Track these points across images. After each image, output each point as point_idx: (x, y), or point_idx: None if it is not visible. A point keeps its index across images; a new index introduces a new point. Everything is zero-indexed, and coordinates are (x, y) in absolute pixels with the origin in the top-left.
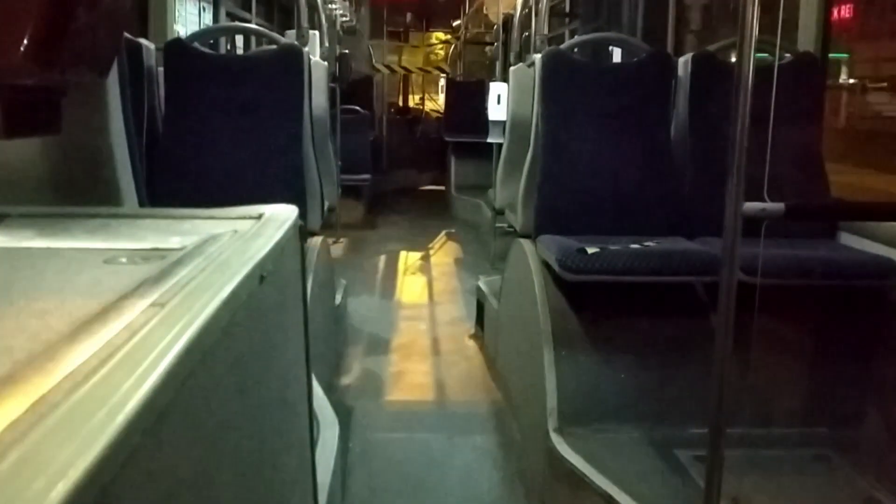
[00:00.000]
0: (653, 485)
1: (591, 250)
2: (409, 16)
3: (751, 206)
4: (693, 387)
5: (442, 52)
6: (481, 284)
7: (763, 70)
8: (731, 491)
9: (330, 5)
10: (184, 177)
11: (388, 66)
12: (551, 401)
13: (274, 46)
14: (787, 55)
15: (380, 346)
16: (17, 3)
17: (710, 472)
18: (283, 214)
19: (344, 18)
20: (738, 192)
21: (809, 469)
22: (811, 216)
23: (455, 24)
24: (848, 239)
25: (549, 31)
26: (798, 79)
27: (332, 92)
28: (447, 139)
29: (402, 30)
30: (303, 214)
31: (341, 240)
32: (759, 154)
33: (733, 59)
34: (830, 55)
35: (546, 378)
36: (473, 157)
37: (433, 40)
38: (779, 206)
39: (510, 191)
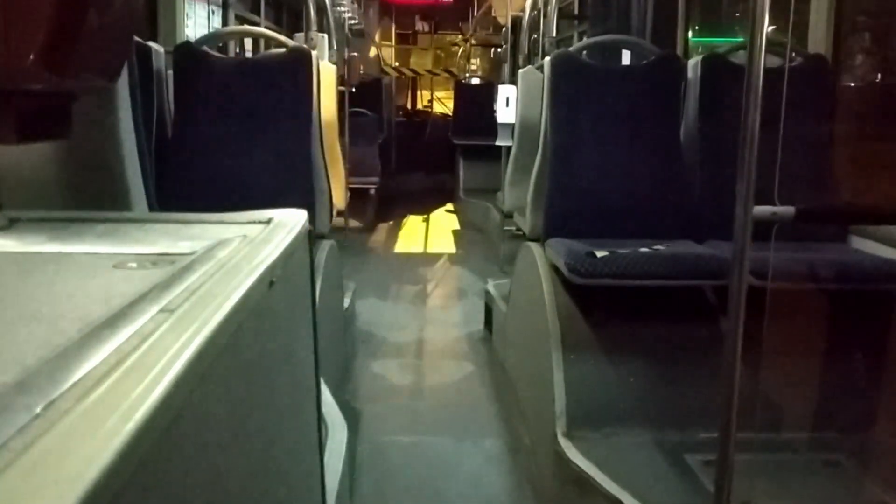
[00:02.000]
0: (662, 489)
1: (600, 254)
2: (417, 18)
3: (761, 209)
4: (703, 391)
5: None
6: (490, 288)
7: (773, 72)
8: (741, 496)
9: (338, 8)
10: (193, 181)
11: (396, 69)
12: (560, 405)
13: (282, 49)
14: (798, 57)
15: (388, 349)
16: (27, 8)
17: (720, 476)
18: (292, 219)
19: (352, 21)
20: (748, 196)
21: (820, 474)
22: (822, 219)
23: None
24: (859, 242)
25: (558, 33)
26: (809, 81)
27: (340, 95)
28: (455, 142)
29: (410, 32)
30: (311, 218)
31: (349, 243)
32: (770, 157)
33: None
34: None
35: (555, 382)
36: (482, 160)
37: (457, 41)
38: (789, 209)
39: (519, 194)
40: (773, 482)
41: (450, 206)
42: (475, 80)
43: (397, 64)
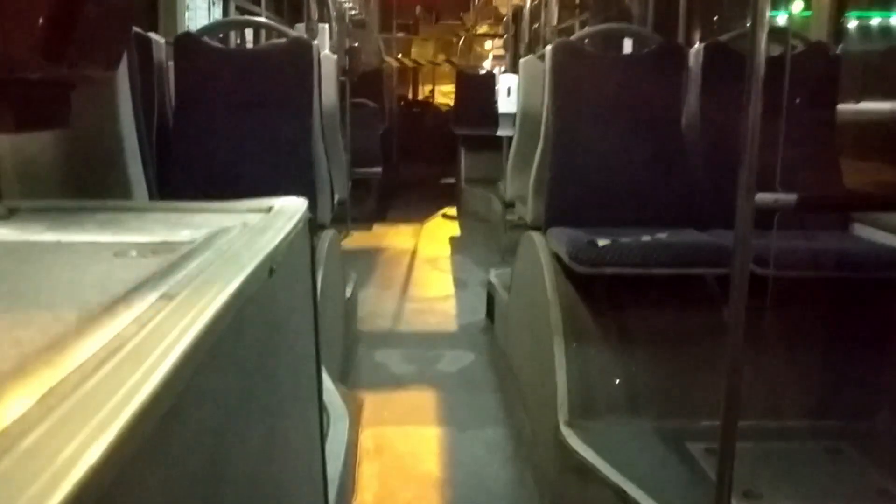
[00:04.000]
0: (664, 478)
1: (601, 242)
2: (418, 8)
3: (763, 197)
4: (704, 379)
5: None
6: (491, 277)
7: (775, 60)
8: (743, 484)
9: None
10: (193, 170)
11: (397, 59)
12: (562, 394)
13: (283, 40)
14: (800, 45)
15: (390, 338)
16: None
17: (722, 464)
18: (292, 207)
19: (353, 11)
20: (749, 183)
21: (822, 462)
22: (824, 207)
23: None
24: (861, 230)
25: (559, 22)
26: (811, 69)
27: (341, 85)
28: (457, 132)
29: (411, 22)
30: (312, 207)
31: (351, 233)
32: (772, 145)
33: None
34: None
35: (556, 371)
36: (484, 150)
37: (459, 31)
38: (791, 197)
39: (520, 183)
40: (775, 470)
41: (451, 195)
42: (481, 70)
43: (400, 56)
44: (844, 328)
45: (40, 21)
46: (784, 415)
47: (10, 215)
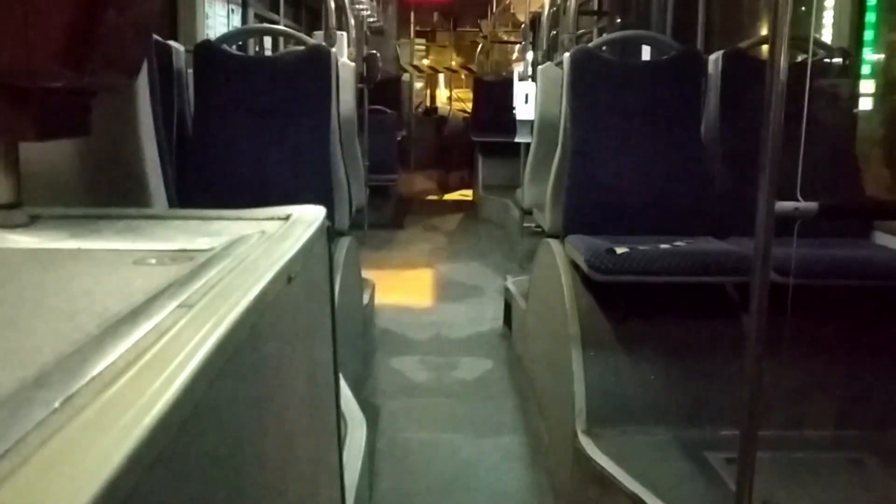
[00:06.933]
0: (683, 488)
1: (620, 250)
2: (436, 15)
3: (783, 205)
4: (724, 388)
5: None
6: (509, 284)
7: (795, 67)
8: (763, 494)
9: (357, 6)
10: (212, 178)
11: (415, 67)
12: (580, 402)
13: (302, 47)
14: (821, 52)
15: (407, 345)
16: (48, 7)
17: (742, 474)
18: (310, 215)
19: (371, 19)
20: (770, 191)
21: (842, 473)
22: (845, 215)
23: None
24: (883, 238)
25: (577, 29)
26: (831, 76)
27: (359, 92)
28: (475, 139)
29: (429, 30)
30: (330, 215)
31: (369, 240)
32: (792, 152)
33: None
34: None
35: (574, 379)
36: (501, 157)
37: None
38: (812, 205)
39: (538, 190)
40: (795, 480)
41: (468, 202)
42: (517, 69)
43: (417, 63)
44: (865, 338)
45: (62, 31)
46: (805, 425)
47: (31, 222)
